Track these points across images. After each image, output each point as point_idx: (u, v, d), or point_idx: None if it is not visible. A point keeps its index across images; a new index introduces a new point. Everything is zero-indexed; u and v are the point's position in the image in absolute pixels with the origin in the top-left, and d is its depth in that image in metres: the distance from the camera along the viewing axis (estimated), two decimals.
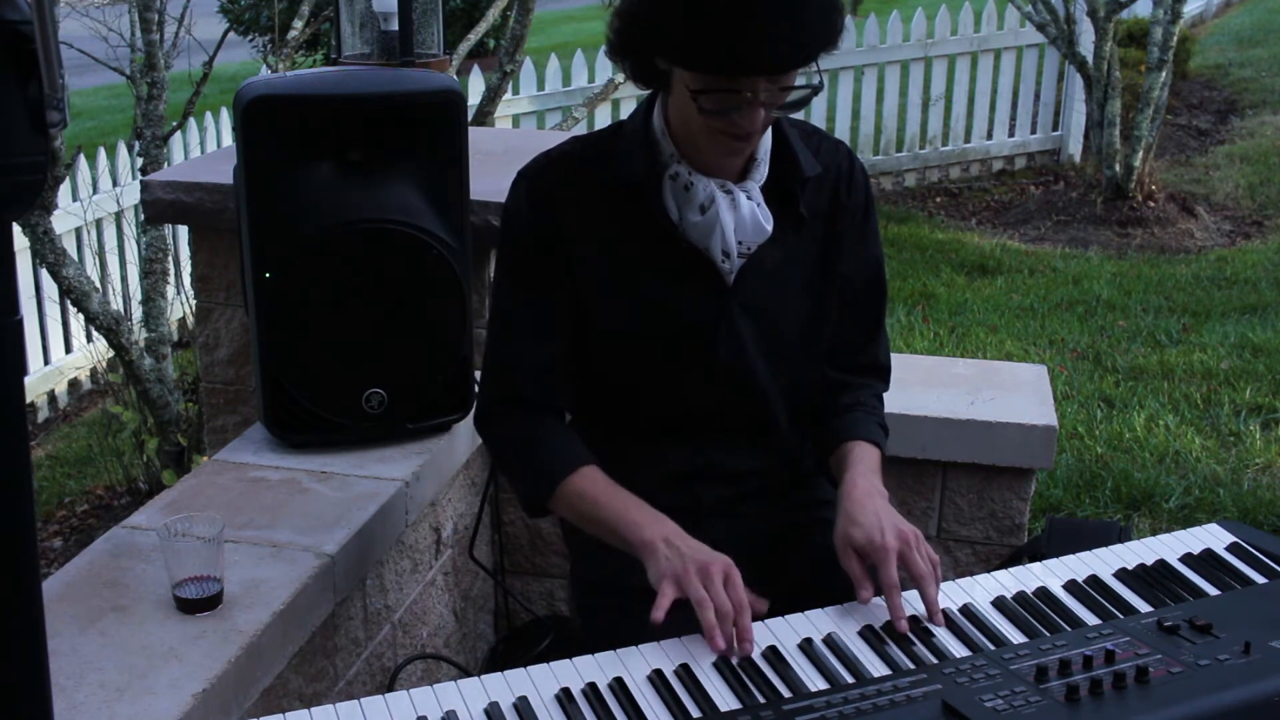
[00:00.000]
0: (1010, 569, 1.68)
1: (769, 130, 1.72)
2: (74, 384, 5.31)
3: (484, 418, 1.84)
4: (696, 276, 1.73)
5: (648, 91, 1.74)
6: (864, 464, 1.75)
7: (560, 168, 1.76)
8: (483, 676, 1.44)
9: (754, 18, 1.48)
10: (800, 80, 1.59)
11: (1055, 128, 7.75)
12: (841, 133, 7.31)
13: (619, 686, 1.43)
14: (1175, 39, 6.65)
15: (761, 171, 1.72)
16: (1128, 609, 1.57)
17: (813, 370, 1.86)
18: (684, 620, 1.56)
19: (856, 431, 1.81)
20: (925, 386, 2.57)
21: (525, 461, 1.77)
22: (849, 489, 1.70)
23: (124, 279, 5.50)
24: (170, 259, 4.33)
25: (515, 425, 1.79)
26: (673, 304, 1.74)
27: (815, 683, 1.43)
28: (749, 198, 1.69)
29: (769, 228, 1.71)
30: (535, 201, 1.75)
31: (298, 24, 4.93)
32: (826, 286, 1.81)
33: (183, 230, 5.06)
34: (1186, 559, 1.69)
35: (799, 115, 1.74)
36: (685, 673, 1.45)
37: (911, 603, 1.58)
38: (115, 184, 5.30)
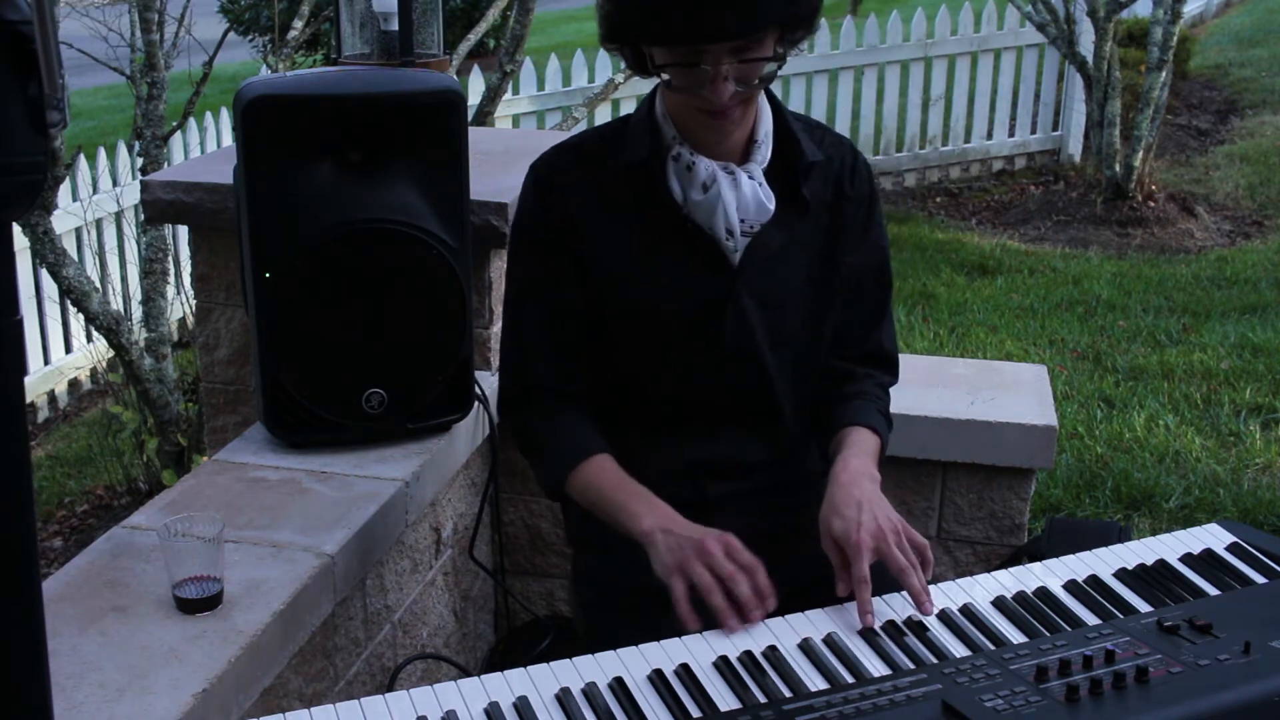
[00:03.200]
0: (1010, 569, 1.68)
1: (770, 114, 1.77)
2: (74, 384, 5.31)
3: (504, 406, 1.90)
4: (703, 258, 1.76)
5: (649, 89, 1.77)
6: (857, 447, 1.76)
7: (568, 156, 1.82)
8: (483, 676, 1.44)
9: None
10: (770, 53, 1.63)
11: (1055, 128, 7.75)
12: (841, 133, 7.28)
13: (619, 686, 1.43)
14: (1175, 39, 6.65)
15: (763, 153, 1.76)
16: (1128, 609, 1.57)
17: (816, 359, 1.88)
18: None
19: (855, 418, 1.82)
20: (925, 386, 2.57)
21: (541, 449, 1.82)
22: (837, 472, 1.70)
23: (124, 279, 5.50)
24: (170, 259, 4.33)
25: (533, 413, 1.83)
26: (680, 284, 1.77)
27: (815, 683, 1.43)
28: (750, 177, 1.73)
29: (771, 207, 1.74)
30: (542, 191, 1.80)
31: (298, 24, 4.94)
32: (830, 276, 1.83)
33: (183, 230, 5.06)
34: (1186, 559, 1.69)
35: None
36: (685, 673, 1.45)
37: (908, 601, 1.58)
38: (115, 184, 5.30)
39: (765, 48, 1.62)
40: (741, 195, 1.72)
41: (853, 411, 1.83)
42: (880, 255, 1.89)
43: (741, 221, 1.74)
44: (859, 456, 1.74)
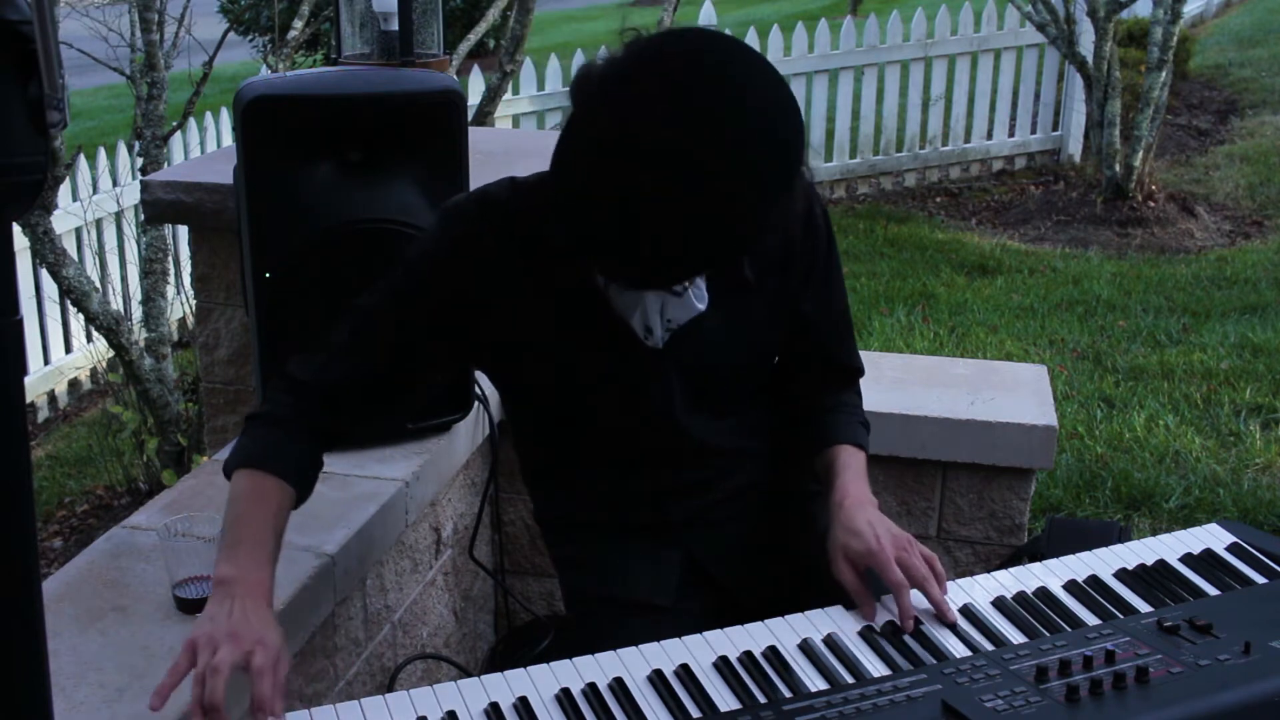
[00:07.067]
0: (1010, 569, 1.68)
1: None
2: (74, 384, 5.31)
3: (283, 373, 1.73)
4: (625, 340, 1.65)
5: None
6: (851, 470, 1.73)
7: (491, 215, 1.65)
8: (483, 676, 1.44)
9: (647, 249, 1.39)
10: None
11: (1055, 128, 7.75)
12: (841, 133, 7.31)
13: (619, 686, 1.43)
14: (1175, 39, 6.65)
15: None
16: (1128, 609, 1.57)
17: (751, 408, 1.81)
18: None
19: (841, 435, 1.77)
20: (925, 386, 2.57)
21: (245, 432, 1.67)
22: (840, 498, 1.68)
23: (124, 279, 5.50)
24: (170, 259, 4.33)
25: (278, 401, 1.68)
26: (600, 365, 1.67)
27: (815, 683, 1.43)
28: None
29: (701, 306, 1.64)
30: (456, 247, 1.65)
31: (298, 24, 4.94)
32: (773, 334, 1.75)
33: (183, 230, 5.06)
34: (1186, 559, 1.69)
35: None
36: (685, 673, 1.45)
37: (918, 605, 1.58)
38: (115, 184, 5.31)
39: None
40: (668, 298, 1.61)
41: (836, 427, 1.78)
42: (841, 300, 1.79)
43: (667, 321, 1.63)
44: (855, 482, 1.70)
